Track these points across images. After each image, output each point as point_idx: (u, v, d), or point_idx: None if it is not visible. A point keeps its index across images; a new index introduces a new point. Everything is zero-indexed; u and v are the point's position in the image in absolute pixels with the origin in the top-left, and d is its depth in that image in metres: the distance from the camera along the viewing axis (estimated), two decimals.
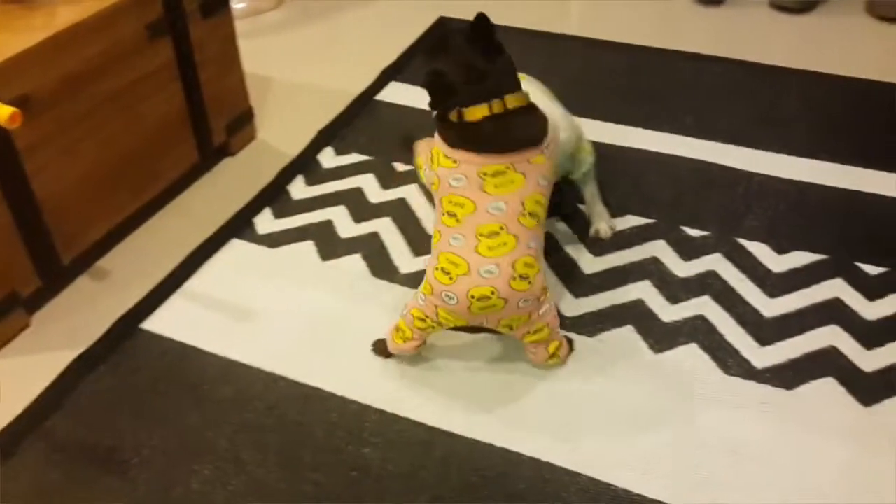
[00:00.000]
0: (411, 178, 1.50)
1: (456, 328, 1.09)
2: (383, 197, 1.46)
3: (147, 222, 1.44)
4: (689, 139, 1.57)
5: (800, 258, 1.29)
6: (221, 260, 1.34)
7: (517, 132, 1.03)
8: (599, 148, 1.47)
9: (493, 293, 0.99)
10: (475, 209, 1.01)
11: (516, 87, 1.05)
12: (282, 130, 1.66)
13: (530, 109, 1.05)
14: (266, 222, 1.41)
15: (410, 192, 1.47)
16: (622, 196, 1.43)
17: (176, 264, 1.33)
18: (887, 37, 1.90)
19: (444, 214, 1.05)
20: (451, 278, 1.00)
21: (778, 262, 1.28)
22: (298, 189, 1.49)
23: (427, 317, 1.05)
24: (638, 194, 1.43)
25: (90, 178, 1.29)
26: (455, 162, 1.03)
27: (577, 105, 1.41)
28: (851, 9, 2.00)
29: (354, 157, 1.57)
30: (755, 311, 1.20)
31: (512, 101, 1.02)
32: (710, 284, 1.25)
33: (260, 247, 1.36)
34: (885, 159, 1.49)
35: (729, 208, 1.39)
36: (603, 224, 1.35)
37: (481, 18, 1.04)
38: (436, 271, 1.02)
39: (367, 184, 1.50)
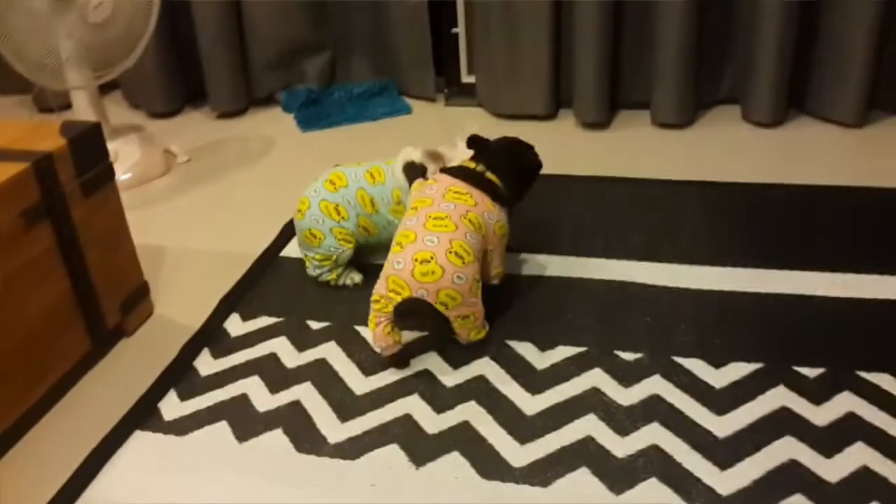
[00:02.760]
0: (328, 335, 1.41)
1: (402, 308, 1.24)
2: (300, 360, 1.36)
3: (39, 423, 1.28)
4: (602, 260, 1.56)
5: (737, 370, 1.26)
6: (125, 457, 1.19)
7: (483, 182, 1.36)
8: (516, 281, 1.44)
9: (432, 258, 1.22)
10: (432, 204, 1.30)
11: (501, 174, 1.38)
12: (181, 302, 1.56)
13: (499, 191, 1.37)
14: (172, 407, 1.28)
15: (329, 351, 1.38)
16: (548, 328, 1.38)
17: (75, 468, 1.18)
18: (764, 141, 1.99)
19: (408, 210, 1.34)
20: (401, 247, 1.25)
21: (717, 377, 1.25)
22: (205, 364, 1.37)
23: (380, 296, 1.25)
24: (563, 323, 1.39)
25: None
26: (434, 181, 1.37)
27: None
28: (729, 118, 2.10)
29: (264, 321, 1.47)
30: (707, 433, 1.15)
31: (492, 176, 1.37)
32: (656, 409, 1.19)
33: (168, 436, 1.23)
34: (789, 259, 1.51)
35: (656, 326, 1.37)
36: None
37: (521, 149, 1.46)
38: (393, 247, 1.28)
39: (281, 348, 1.40)
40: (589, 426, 1.17)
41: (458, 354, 1.34)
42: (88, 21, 1.82)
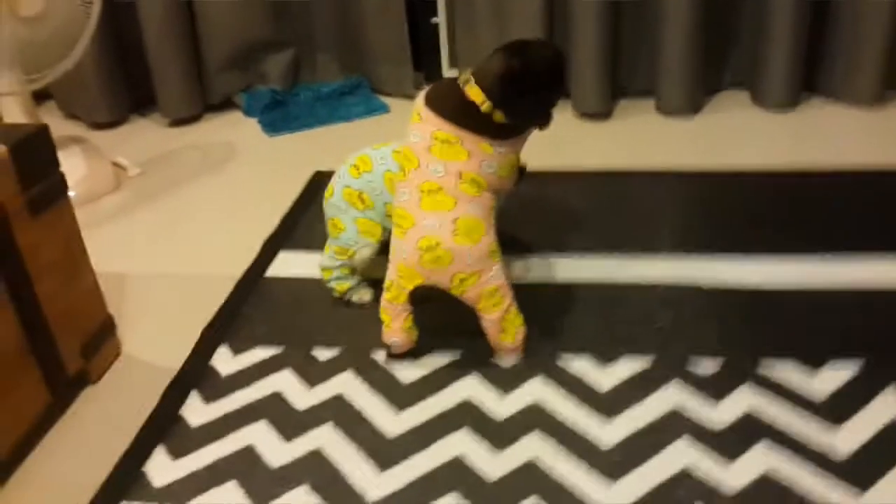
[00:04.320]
0: (341, 365, 1.18)
1: (416, 294, 1.10)
2: (313, 398, 1.13)
3: None
4: (634, 260, 1.36)
5: (837, 370, 1.08)
6: None
7: (479, 121, 1.10)
8: (544, 287, 1.25)
9: (437, 244, 1.06)
10: (419, 165, 1.11)
11: (514, 117, 1.11)
12: (154, 339, 1.30)
13: (504, 125, 1.11)
14: (163, 468, 1.03)
15: (346, 384, 1.15)
16: (600, 337, 1.18)
17: None
18: (778, 125, 1.84)
19: (399, 168, 1.15)
20: (403, 232, 1.09)
21: (816, 381, 1.06)
22: (196, 411, 1.13)
23: (393, 282, 1.11)
24: (615, 331, 1.19)
25: None
26: (420, 118, 1.13)
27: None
28: (738, 104, 1.95)
29: (259, 353, 1.23)
30: (826, 453, 0.96)
31: (498, 116, 1.10)
32: (757, 428, 1.00)
33: None
34: (847, 246, 1.34)
35: (733, 329, 1.17)
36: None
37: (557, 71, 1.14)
38: (394, 229, 1.12)
39: (287, 384, 1.16)
40: (684, 454, 0.97)
41: (503, 376, 1.13)
42: (19, 14, 1.55)
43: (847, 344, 1.13)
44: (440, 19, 2.00)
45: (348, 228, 1.26)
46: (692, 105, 1.91)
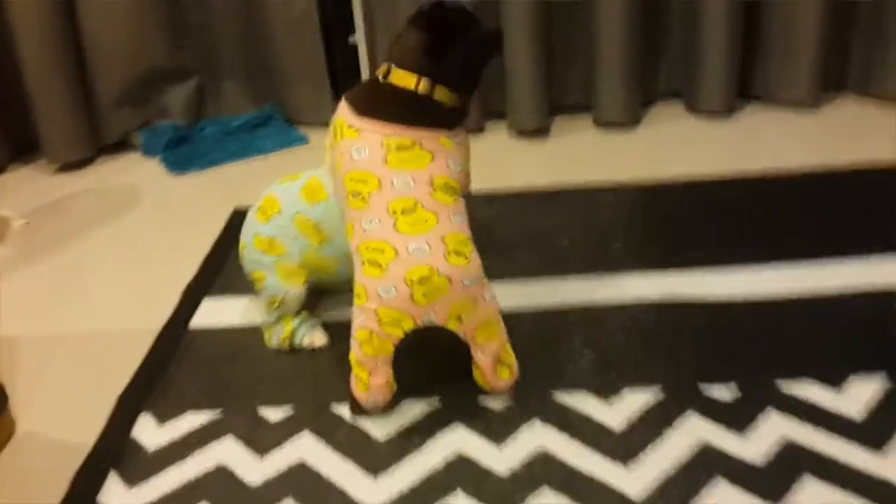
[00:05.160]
0: (296, 425, 0.99)
1: (404, 337, 0.92)
2: (267, 469, 0.93)
3: None
4: (610, 279, 1.23)
5: (861, 388, 0.96)
6: None
7: (427, 112, 0.97)
8: (521, 319, 1.11)
9: (432, 272, 0.89)
10: (380, 185, 0.94)
11: (457, 85, 0.98)
12: (58, 412, 1.07)
13: (453, 109, 0.99)
14: None
15: (306, 448, 0.95)
16: (595, 369, 1.03)
17: None
18: (721, 131, 1.78)
19: (348, 196, 0.96)
20: (381, 268, 0.91)
21: (844, 402, 0.95)
22: (117, 498, 0.91)
23: (371, 333, 0.92)
24: (609, 360, 1.04)
25: None
26: (358, 132, 0.96)
27: None
28: (675, 113, 1.88)
29: (193, 419, 1.02)
30: (883, 485, 0.84)
31: (440, 94, 0.97)
32: (797, 459, 0.87)
33: None
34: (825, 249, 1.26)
35: (724, 347, 1.05)
36: None
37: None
38: (364, 267, 0.92)
39: (232, 455, 0.95)
40: (726, 498, 0.83)
41: (494, 422, 0.96)
42: None
43: (866, 357, 1.02)
44: (358, 37, 1.85)
45: (269, 277, 1.11)
46: (630, 117, 1.83)
